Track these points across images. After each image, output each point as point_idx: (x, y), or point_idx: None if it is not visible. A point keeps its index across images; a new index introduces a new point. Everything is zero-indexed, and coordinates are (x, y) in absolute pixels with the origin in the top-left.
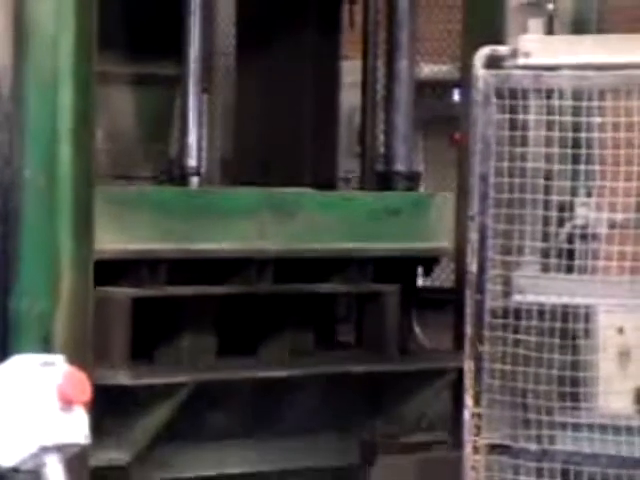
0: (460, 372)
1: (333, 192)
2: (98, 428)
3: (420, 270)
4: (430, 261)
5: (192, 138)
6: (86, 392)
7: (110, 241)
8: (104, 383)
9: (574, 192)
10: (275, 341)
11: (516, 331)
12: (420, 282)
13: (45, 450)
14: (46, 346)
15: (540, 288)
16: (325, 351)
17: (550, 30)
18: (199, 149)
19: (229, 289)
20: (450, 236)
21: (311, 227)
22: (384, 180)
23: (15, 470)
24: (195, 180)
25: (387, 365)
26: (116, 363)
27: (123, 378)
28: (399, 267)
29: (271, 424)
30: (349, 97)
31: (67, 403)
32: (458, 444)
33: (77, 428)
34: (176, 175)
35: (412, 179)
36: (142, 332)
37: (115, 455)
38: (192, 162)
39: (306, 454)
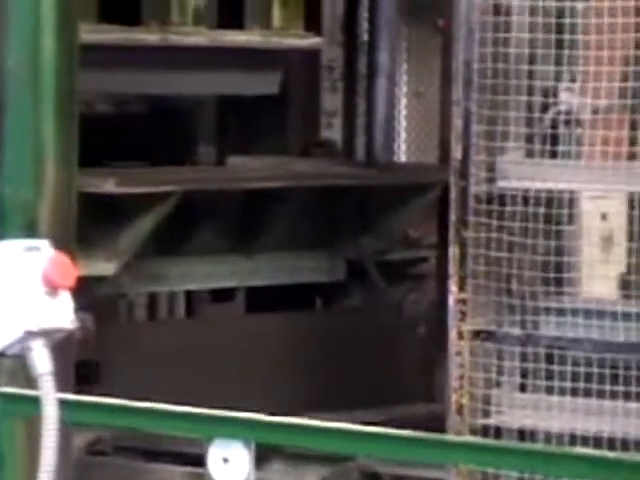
0: (446, 187)
1: None
2: (85, 238)
3: None
4: None
5: None
6: (71, 277)
7: None
8: (90, 191)
9: (558, 77)
10: None
11: (500, 217)
12: None
13: (31, 335)
14: (30, 234)
15: (524, 174)
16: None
17: None
18: None
19: None
20: None
21: None
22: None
23: (1, 354)
24: None
25: (373, 179)
26: None
27: (109, 186)
28: None
29: (259, 238)
30: None
31: (52, 288)
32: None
33: (63, 313)
34: None
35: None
36: None
37: (103, 266)
38: None
39: (294, 270)
